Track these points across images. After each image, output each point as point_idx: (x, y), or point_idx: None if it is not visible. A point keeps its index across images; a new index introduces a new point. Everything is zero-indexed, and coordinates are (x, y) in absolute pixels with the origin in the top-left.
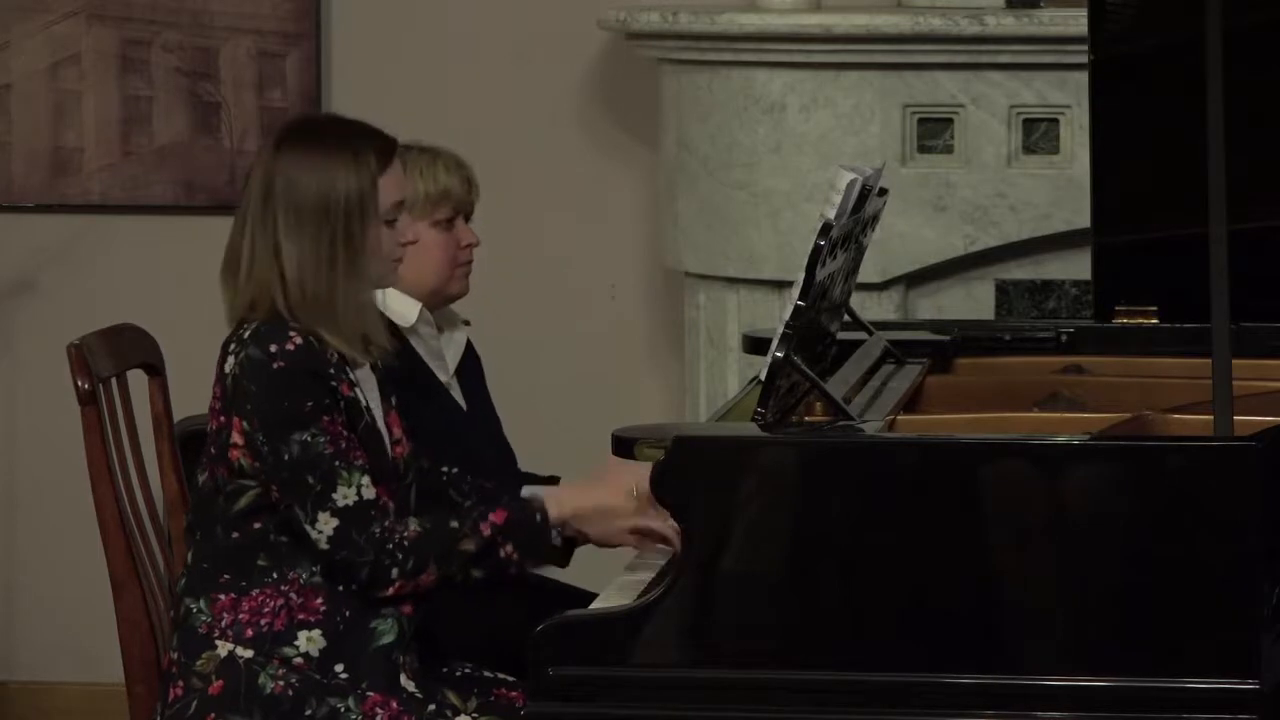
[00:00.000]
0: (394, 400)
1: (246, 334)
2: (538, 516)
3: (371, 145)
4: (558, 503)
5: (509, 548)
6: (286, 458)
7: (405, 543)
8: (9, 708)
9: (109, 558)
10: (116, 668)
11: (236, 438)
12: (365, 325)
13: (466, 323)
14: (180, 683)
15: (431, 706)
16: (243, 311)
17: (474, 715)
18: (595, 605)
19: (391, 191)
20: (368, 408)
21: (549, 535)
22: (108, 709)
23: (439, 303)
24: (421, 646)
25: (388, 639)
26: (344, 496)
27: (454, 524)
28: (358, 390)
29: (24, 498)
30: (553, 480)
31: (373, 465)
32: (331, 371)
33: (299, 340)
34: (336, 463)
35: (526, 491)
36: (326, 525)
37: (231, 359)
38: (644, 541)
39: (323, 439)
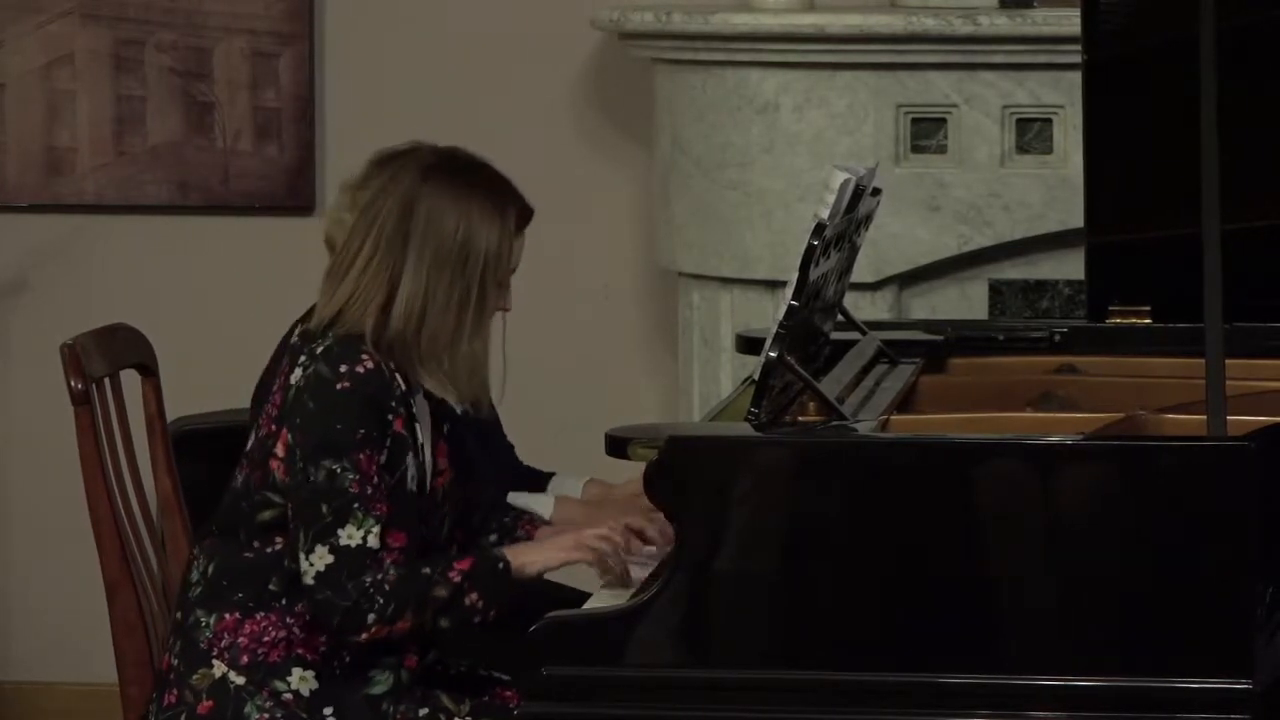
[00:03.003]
0: (445, 429)
1: (320, 349)
2: (500, 565)
3: (515, 206)
4: (515, 554)
5: (474, 595)
6: (310, 479)
7: (386, 587)
8: (4, 708)
9: (102, 559)
10: (110, 668)
11: (280, 449)
12: (466, 377)
13: None
14: (175, 691)
15: (425, 710)
16: (329, 318)
17: (468, 717)
18: (589, 605)
19: (517, 257)
20: (421, 445)
21: (510, 582)
22: (102, 709)
23: None
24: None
25: (380, 689)
26: (349, 536)
27: (426, 570)
28: (415, 424)
29: (18, 498)
30: (549, 476)
31: (407, 506)
32: (393, 404)
33: (370, 364)
34: (355, 505)
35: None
36: (320, 560)
37: (299, 371)
38: (601, 559)
39: (352, 476)
